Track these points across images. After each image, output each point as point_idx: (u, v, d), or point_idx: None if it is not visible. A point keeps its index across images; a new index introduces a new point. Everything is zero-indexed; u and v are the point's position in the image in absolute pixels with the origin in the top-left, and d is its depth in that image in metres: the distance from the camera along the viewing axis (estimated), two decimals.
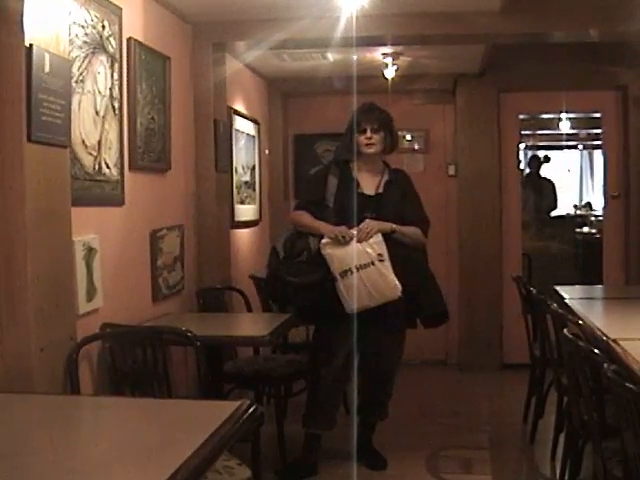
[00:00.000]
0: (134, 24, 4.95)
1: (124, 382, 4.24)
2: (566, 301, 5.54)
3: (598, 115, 8.87)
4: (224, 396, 5.26)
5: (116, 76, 4.65)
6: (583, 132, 13.52)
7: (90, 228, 4.30)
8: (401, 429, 6.18)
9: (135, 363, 4.24)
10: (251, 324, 5.71)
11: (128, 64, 4.84)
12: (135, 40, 4.91)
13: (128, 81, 4.84)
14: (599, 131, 9.09)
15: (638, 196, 8.12)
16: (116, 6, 4.64)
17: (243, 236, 7.29)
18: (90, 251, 4.23)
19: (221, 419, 2.58)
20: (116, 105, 4.65)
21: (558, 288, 6.09)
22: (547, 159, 14.89)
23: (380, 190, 5.35)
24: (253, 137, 7.63)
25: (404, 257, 5.19)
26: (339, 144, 5.71)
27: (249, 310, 6.15)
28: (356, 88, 7.02)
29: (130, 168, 4.86)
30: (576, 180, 15.48)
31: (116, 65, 4.66)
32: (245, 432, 2.73)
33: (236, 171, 6.96)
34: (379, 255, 5.04)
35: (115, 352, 4.25)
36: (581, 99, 8.53)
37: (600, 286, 7.86)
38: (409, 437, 6.06)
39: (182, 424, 2.74)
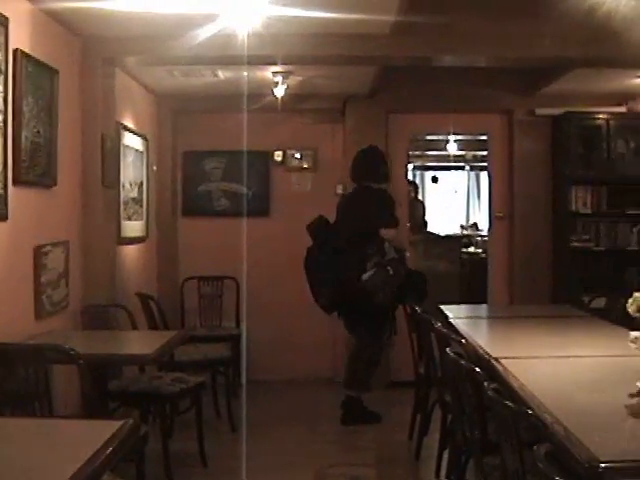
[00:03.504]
0: (21, 35, 4.85)
1: (4, 401, 4.13)
2: (450, 320, 5.64)
3: (484, 137, 9.06)
4: (109, 415, 5.18)
5: (1, 88, 4.55)
6: (470, 154, 13.80)
7: None
8: (289, 447, 6.19)
9: (16, 382, 4.14)
10: (136, 342, 5.64)
11: (14, 76, 4.74)
12: (22, 52, 4.81)
13: (14, 94, 4.74)
14: (485, 153, 9.28)
15: (522, 217, 8.34)
16: (2, 16, 4.54)
17: (130, 252, 7.21)
18: None
19: (103, 438, 2.54)
20: (0, 118, 4.56)
21: (443, 307, 6.20)
22: (435, 179, 15.15)
23: None
24: (141, 153, 7.56)
25: None
26: None
27: (135, 328, 6.07)
28: (246, 106, 7.06)
29: (14, 182, 4.75)
30: (463, 201, 15.76)
31: (1, 77, 4.56)
32: (129, 451, 2.69)
33: (123, 187, 6.88)
34: None
35: None
36: (468, 121, 8.71)
37: (485, 305, 8.02)
38: (297, 456, 6.04)
39: (63, 444, 2.69)
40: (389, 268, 6.59)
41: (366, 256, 6.60)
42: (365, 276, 6.55)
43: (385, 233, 6.69)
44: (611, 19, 5.58)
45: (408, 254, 7.05)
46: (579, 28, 5.90)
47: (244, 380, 7.87)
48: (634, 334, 3.43)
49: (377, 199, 6.89)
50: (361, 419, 6.85)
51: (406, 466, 5.99)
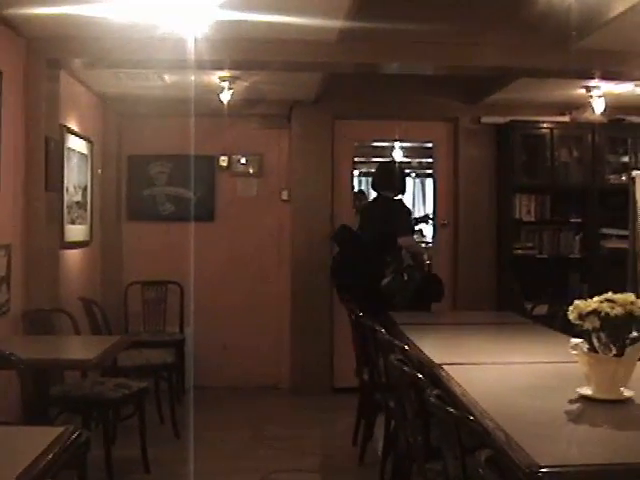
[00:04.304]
0: None
1: None
2: (399, 326, 5.68)
3: (430, 145, 9.10)
4: (50, 421, 5.13)
5: None
6: (415, 161, 13.85)
7: None
8: (234, 453, 6.17)
9: None
10: (79, 347, 5.59)
11: None
12: None
13: None
14: (431, 160, 9.33)
15: (466, 225, 8.40)
16: None
17: (73, 257, 7.13)
18: None
19: (44, 445, 2.51)
20: None
21: (390, 313, 6.23)
22: None
23: None
24: (86, 156, 7.48)
25: None
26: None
27: (77, 333, 6.01)
28: (192, 111, 7.03)
29: None
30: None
31: None
32: (70, 458, 2.66)
33: (67, 190, 6.80)
34: None
35: None
36: (414, 129, 8.74)
37: (429, 312, 8.04)
38: (243, 461, 6.04)
39: (2, 451, 2.65)
40: (405, 274, 6.93)
41: (384, 263, 6.97)
42: (384, 282, 6.90)
43: (403, 241, 7.06)
44: (555, 30, 5.65)
45: (426, 257, 7.54)
46: (524, 38, 5.97)
47: (191, 384, 7.85)
48: (575, 341, 3.47)
49: (394, 209, 7.33)
50: None
51: (350, 472, 5.99)
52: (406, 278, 6.93)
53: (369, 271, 7.00)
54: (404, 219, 7.41)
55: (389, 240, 7.03)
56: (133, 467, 5.69)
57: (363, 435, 6.01)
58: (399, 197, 7.48)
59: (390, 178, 7.42)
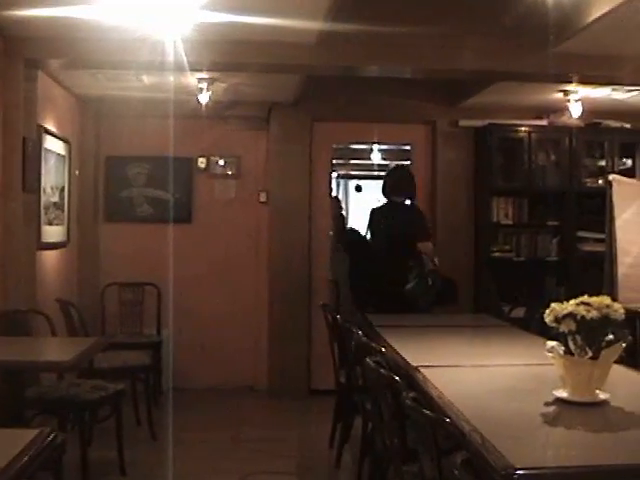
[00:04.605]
0: None
1: None
2: (376, 328, 5.69)
3: (408, 147, 9.11)
4: (26, 423, 5.10)
5: None
6: (393, 163, 13.86)
7: None
8: (211, 455, 6.16)
9: None
10: (55, 349, 5.55)
11: None
12: None
13: None
14: (409, 163, 9.34)
15: (444, 227, 8.43)
16: None
17: (50, 258, 7.10)
18: None
19: (19, 447, 2.50)
20: None
21: (368, 315, 6.24)
22: (359, 188, 15.18)
23: None
24: (63, 157, 7.45)
25: None
26: None
27: (54, 334, 5.98)
28: (171, 112, 7.01)
29: None
30: None
31: None
32: (46, 461, 2.65)
33: (44, 191, 6.77)
34: None
35: None
36: (392, 131, 8.77)
37: (407, 314, 8.06)
38: (219, 462, 6.02)
39: None
40: (429, 279, 7.06)
41: (407, 268, 7.07)
42: (408, 286, 7.01)
43: (422, 246, 7.16)
44: (534, 34, 5.68)
45: (437, 261, 7.41)
46: (503, 42, 6.00)
47: (170, 386, 7.82)
48: (551, 343, 3.48)
49: (412, 214, 7.49)
50: None
51: (327, 474, 6.01)
52: (430, 283, 7.05)
53: (385, 274, 7.12)
54: (422, 224, 7.47)
55: (407, 245, 7.10)
56: (109, 469, 5.68)
57: (340, 437, 6.00)
58: (412, 202, 7.56)
59: (404, 184, 7.48)
